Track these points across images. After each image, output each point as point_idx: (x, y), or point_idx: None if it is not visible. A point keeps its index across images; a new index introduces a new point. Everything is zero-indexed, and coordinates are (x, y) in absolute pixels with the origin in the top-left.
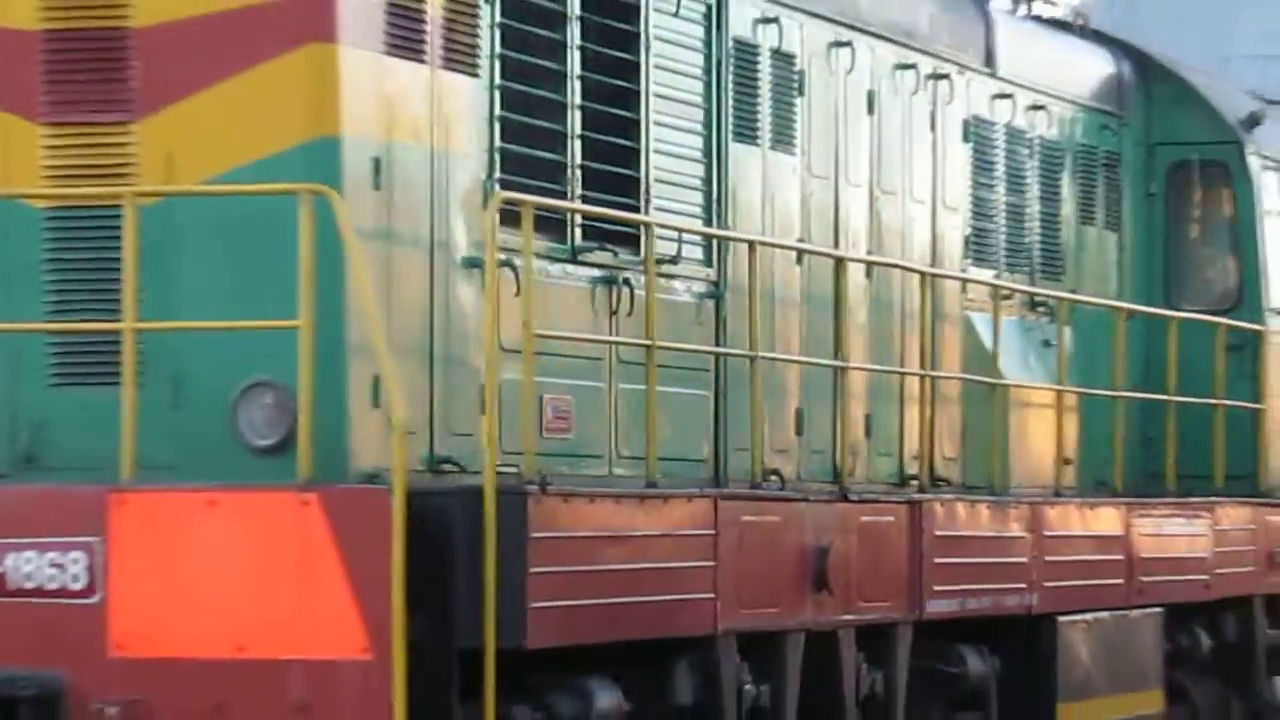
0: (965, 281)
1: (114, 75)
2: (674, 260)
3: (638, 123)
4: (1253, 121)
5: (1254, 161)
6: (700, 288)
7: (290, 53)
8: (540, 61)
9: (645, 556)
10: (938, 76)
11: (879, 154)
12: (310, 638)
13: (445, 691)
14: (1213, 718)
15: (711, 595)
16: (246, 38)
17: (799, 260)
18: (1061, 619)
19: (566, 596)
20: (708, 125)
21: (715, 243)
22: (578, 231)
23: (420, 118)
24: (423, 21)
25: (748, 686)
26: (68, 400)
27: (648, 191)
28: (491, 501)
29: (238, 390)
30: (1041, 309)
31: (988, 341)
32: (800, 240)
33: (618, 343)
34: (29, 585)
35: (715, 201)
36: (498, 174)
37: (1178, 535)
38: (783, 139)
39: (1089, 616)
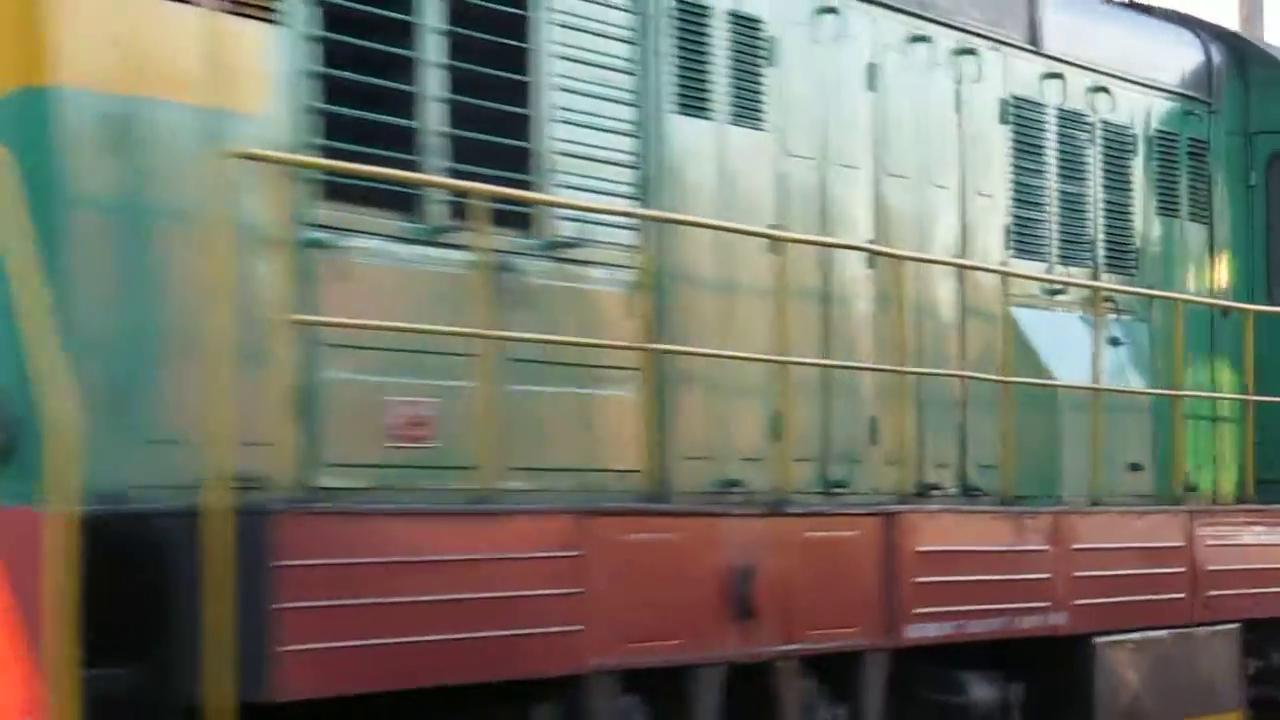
0: (1006, 275)
1: None
2: (577, 244)
3: (528, 86)
4: None
5: None
6: (629, 276)
7: None
8: (380, 10)
9: (472, 585)
10: (962, 51)
11: (885, 134)
12: None
13: None
14: None
15: (579, 628)
16: None
17: (774, 248)
18: (1100, 640)
19: (341, 636)
20: (639, 94)
21: (654, 226)
22: (439, 209)
23: (190, 70)
24: None
25: None
26: None
27: (548, 166)
28: (221, 522)
29: None
30: (1109, 304)
31: (1035, 339)
32: (777, 227)
33: (473, 335)
34: None
35: (648, 180)
36: (318, 140)
37: (1257, 545)
38: (747, 113)
39: (1138, 636)
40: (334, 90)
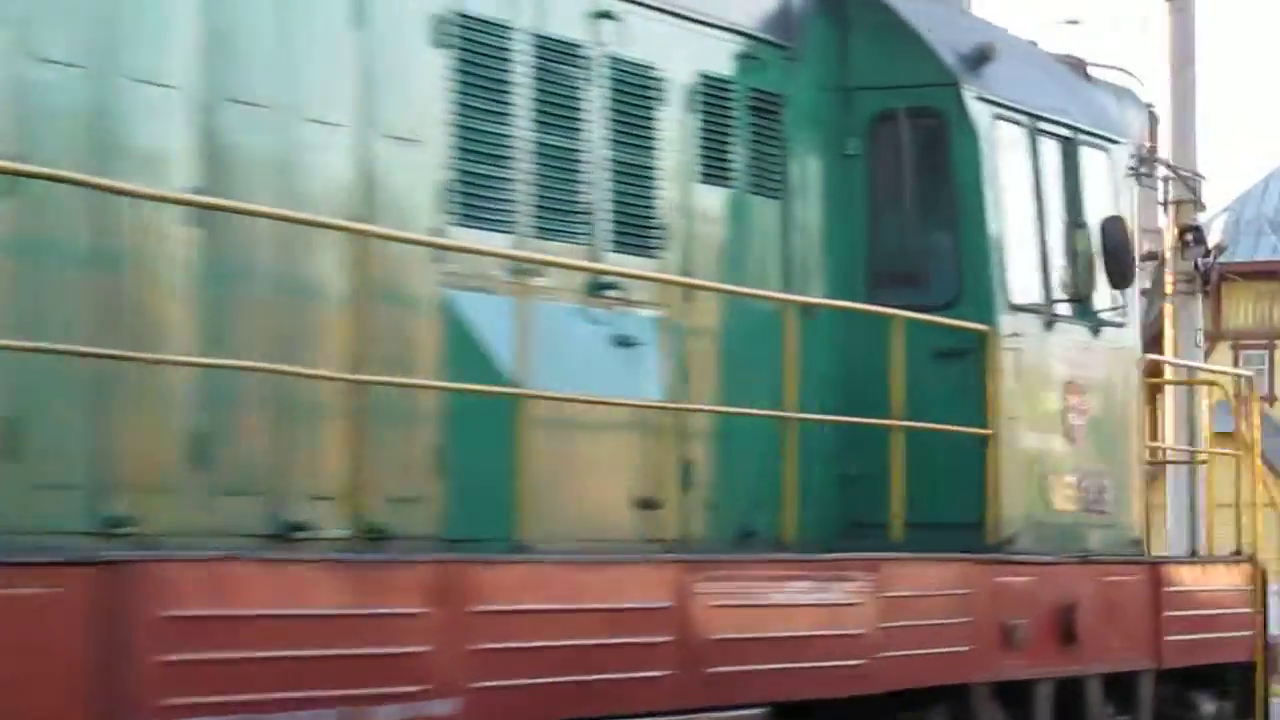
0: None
1: None
2: None
3: None
4: (980, 58)
5: (979, 109)
6: None
7: None
8: None
9: None
10: None
11: (225, 45)
12: None
13: None
14: None
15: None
16: None
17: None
18: None
19: None
20: None
21: None
22: None
23: None
24: None
25: None
26: None
27: None
28: None
29: None
30: (616, 294)
31: (485, 333)
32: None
33: None
34: None
35: None
36: None
37: (800, 605)
38: None
39: None
40: None
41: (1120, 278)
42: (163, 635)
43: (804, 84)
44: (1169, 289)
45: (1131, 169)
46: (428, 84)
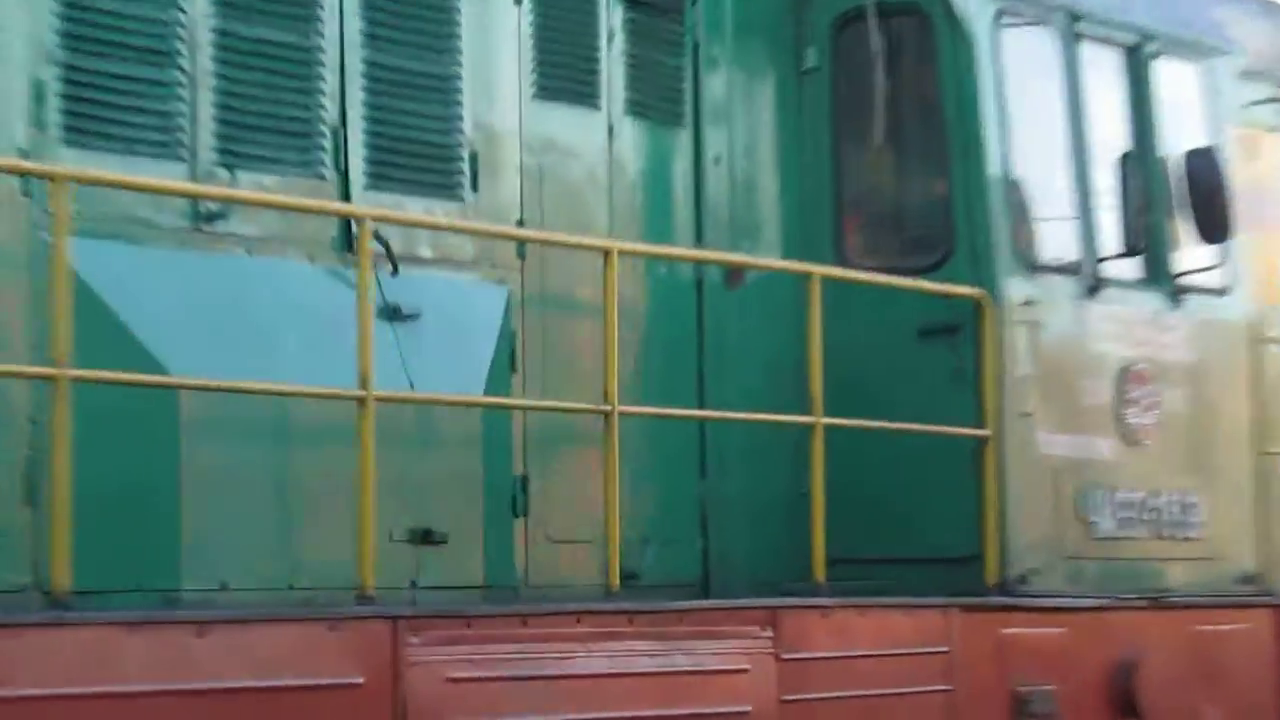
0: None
1: None
2: None
3: None
4: None
5: (977, 6)
6: None
7: None
8: None
9: None
10: None
11: None
12: None
13: None
14: None
15: None
16: None
17: None
18: None
19: None
20: None
21: None
22: None
23: None
24: None
25: None
26: None
27: None
28: None
29: None
30: (376, 247)
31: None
32: None
33: None
34: None
35: None
36: None
37: (617, 676)
38: None
39: None
40: None
41: (1213, 229)
42: None
43: None
44: None
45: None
46: None
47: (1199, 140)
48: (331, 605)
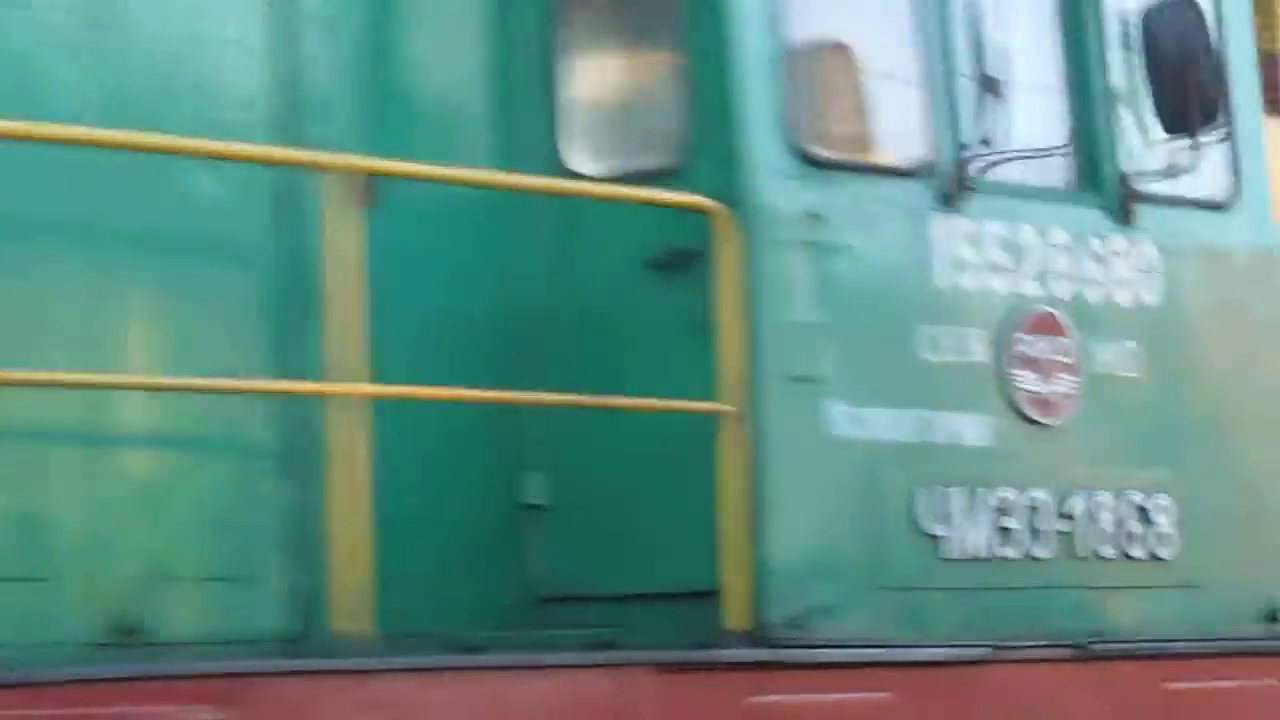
0: None
1: None
2: None
3: None
4: None
5: None
6: None
7: None
8: None
9: None
10: None
11: None
12: None
13: None
14: None
15: None
16: None
17: None
18: None
19: None
20: None
21: None
22: None
23: None
24: None
25: None
26: None
27: None
28: None
29: None
30: None
31: None
32: None
33: None
34: None
35: None
36: None
37: None
38: None
39: None
40: None
41: (1184, 114)
42: None
43: None
44: None
45: None
46: None
47: None
48: None
